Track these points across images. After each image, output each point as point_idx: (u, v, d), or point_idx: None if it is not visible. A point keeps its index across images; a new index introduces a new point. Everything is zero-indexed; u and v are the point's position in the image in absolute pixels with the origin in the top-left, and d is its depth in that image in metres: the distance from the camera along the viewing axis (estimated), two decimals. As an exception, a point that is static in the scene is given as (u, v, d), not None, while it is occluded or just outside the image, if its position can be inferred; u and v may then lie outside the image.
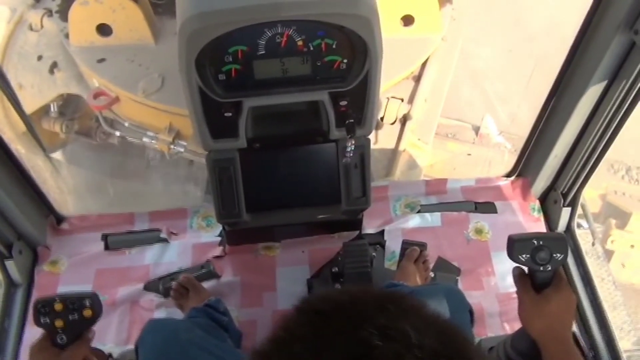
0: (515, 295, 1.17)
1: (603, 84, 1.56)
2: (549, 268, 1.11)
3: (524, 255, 1.11)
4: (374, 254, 1.86)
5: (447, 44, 2.79)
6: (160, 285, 1.81)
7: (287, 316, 0.67)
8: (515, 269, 1.17)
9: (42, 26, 2.79)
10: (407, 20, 2.55)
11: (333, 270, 1.80)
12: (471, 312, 1.34)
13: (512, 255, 1.12)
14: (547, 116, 1.80)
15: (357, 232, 1.90)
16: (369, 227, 1.94)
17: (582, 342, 1.38)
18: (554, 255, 1.10)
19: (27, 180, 1.78)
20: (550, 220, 1.98)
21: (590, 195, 3.49)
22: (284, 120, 1.43)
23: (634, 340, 1.73)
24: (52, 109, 2.77)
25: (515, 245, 1.12)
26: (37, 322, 1.05)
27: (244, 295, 1.80)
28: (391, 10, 2.51)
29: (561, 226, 1.93)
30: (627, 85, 1.49)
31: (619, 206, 3.66)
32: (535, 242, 1.11)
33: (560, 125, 1.72)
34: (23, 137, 2.61)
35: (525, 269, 1.16)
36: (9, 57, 2.76)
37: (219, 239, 1.92)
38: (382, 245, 1.91)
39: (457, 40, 2.88)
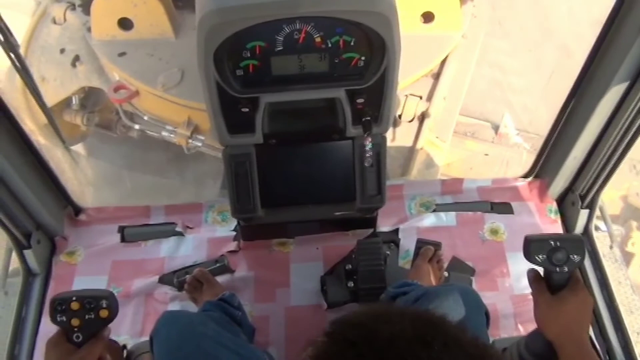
0: (530, 297, 1.16)
1: (625, 85, 1.53)
2: (566, 269, 1.09)
3: (540, 256, 1.10)
4: (388, 252, 1.86)
5: (467, 42, 2.78)
6: (175, 279, 1.83)
7: (318, 342, 0.66)
8: (530, 271, 1.16)
9: (65, 19, 2.82)
10: (427, 17, 2.54)
11: (347, 267, 1.80)
12: (487, 314, 1.33)
13: (528, 255, 1.11)
14: (567, 117, 1.77)
15: (371, 230, 1.90)
16: (384, 226, 1.93)
17: (598, 346, 1.36)
18: (571, 256, 1.09)
19: (47, 171, 1.81)
20: (567, 222, 1.95)
21: (611, 196, 3.44)
22: (301, 117, 1.43)
23: (651, 345, 1.70)
24: (73, 101, 2.81)
25: (532, 245, 1.11)
26: (54, 320, 1.06)
27: (257, 291, 1.81)
28: (411, 7, 2.49)
29: (579, 228, 1.91)
30: (650, 87, 1.46)
31: (640, 208, 3.60)
32: (552, 242, 1.09)
33: (580, 126, 1.69)
34: (44, 129, 2.65)
35: (541, 270, 1.15)
36: (32, 50, 2.80)
37: (234, 233, 1.93)
38: (397, 243, 1.90)
39: (478, 38, 2.86)
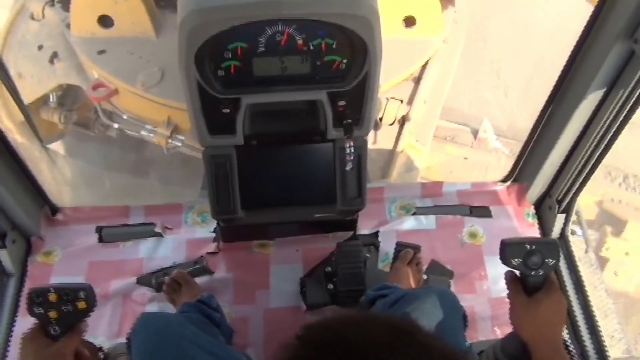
0: (507, 300, 1.17)
1: (601, 92, 1.56)
2: (541, 273, 1.11)
3: (516, 260, 1.11)
4: (367, 254, 1.86)
5: (448, 47, 2.80)
6: (153, 280, 1.81)
7: (288, 346, 0.65)
8: (507, 273, 1.18)
9: (43, 15, 2.78)
10: (409, 21, 2.55)
11: (326, 270, 1.80)
12: (464, 317, 1.35)
13: (504, 259, 1.12)
14: (545, 122, 1.80)
15: (351, 233, 1.90)
16: (364, 228, 1.94)
17: (572, 349, 1.38)
18: (546, 260, 1.11)
19: (23, 170, 1.78)
20: (544, 226, 1.98)
21: (587, 202, 3.49)
22: (282, 119, 1.43)
23: (624, 348, 1.74)
24: (51, 99, 2.76)
25: (508, 249, 1.12)
26: (31, 312, 1.05)
27: (236, 292, 1.80)
28: (393, 11, 2.51)
29: (555, 232, 1.94)
30: (626, 94, 1.49)
31: (615, 214, 3.66)
32: (527, 246, 1.11)
33: (558, 132, 1.72)
34: (21, 126, 2.61)
35: (518, 272, 1.16)
36: (9, 46, 2.76)
37: (214, 235, 1.92)
38: (376, 246, 1.91)
39: (459, 43, 2.89)
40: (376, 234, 1.94)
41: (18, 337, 1.64)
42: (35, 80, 2.69)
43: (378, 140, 2.60)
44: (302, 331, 0.67)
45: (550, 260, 1.11)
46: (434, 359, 0.63)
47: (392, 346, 0.62)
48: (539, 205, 2.01)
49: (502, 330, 1.73)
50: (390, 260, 1.82)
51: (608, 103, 1.56)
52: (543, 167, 1.85)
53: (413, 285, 1.69)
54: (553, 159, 1.81)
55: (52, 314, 1.05)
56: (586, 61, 1.56)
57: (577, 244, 1.90)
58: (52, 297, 1.05)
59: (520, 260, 1.11)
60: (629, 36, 1.39)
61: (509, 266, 1.12)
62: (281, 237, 1.91)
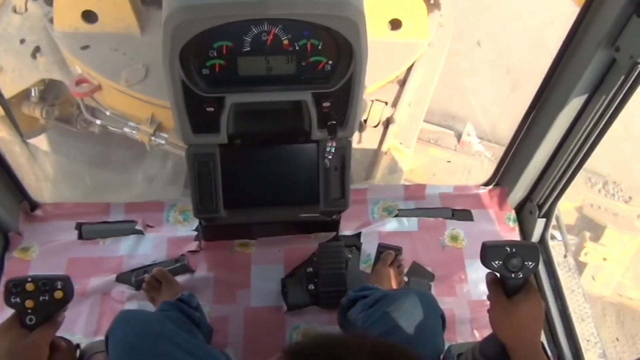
0: (487, 303, 1.18)
1: (583, 98, 1.58)
2: (520, 275, 1.12)
3: (496, 262, 1.12)
4: (349, 255, 1.87)
5: (434, 50, 2.82)
6: (133, 277, 1.79)
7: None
8: (488, 274, 1.19)
9: (26, 9, 2.75)
10: (395, 24, 2.56)
11: (308, 270, 1.80)
12: (443, 318, 1.35)
13: (484, 261, 1.14)
14: (527, 127, 1.82)
15: (333, 234, 1.91)
16: (346, 229, 1.94)
17: (549, 353, 1.40)
18: (526, 263, 1.12)
19: (2, 164, 1.75)
20: (524, 230, 2.00)
21: (567, 207, 3.54)
22: (266, 118, 1.43)
23: (600, 352, 1.76)
24: (32, 93, 2.74)
25: (488, 251, 1.13)
26: (8, 302, 1.05)
27: (217, 291, 1.80)
28: (379, 14, 2.52)
29: (535, 237, 1.95)
30: (607, 101, 1.51)
31: (594, 219, 3.72)
32: (508, 249, 1.12)
33: (540, 137, 1.74)
34: (1, 121, 2.57)
35: (498, 275, 1.17)
36: (-10, 38, 2.72)
37: (195, 233, 1.91)
38: (358, 247, 1.91)
39: (444, 47, 2.91)
40: (358, 235, 1.94)
41: (-6, 333, 1.63)
42: (16, 74, 2.66)
43: (362, 142, 2.61)
44: (286, 356, 0.66)
45: (530, 263, 1.12)
46: None
47: None
48: (520, 209, 2.03)
49: (481, 333, 1.74)
50: (372, 261, 1.82)
51: (589, 109, 1.58)
52: (525, 172, 1.87)
53: (394, 287, 1.69)
54: (535, 163, 1.82)
55: (29, 303, 1.05)
56: (569, 68, 1.58)
57: (556, 249, 1.92)
58: (30, 286, 1.05)
59: (501, 262, 1.12)
60: (611, 44, 1.41)
61: (489, 268, 1.13)
62: (263, 237, 1.90)
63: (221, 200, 1.54)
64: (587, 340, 1.75)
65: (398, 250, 1.79)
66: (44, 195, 2.16)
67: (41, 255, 1.84)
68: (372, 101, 2.57)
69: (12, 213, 1.85)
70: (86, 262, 1.83)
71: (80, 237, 1.90)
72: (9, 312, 1.08)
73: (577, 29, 1.50)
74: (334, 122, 1.39)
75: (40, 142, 3.01)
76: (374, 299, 1.37)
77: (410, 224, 1.98)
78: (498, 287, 1.16)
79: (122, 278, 1.80)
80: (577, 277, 1.90)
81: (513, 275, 1.12)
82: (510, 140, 1.91)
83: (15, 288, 1.05)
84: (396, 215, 2.01)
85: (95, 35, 2.49)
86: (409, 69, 2.70)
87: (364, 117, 2.56)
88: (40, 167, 2.73)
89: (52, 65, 2.64)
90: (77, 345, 1.32)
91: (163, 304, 1.50)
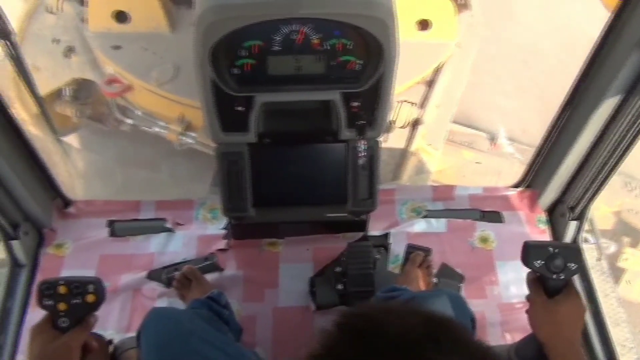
0: (518, 306, 1.17)
1: (617, 99, 1.55)
2: (562, 277, 1.11)
3: (538, 262, 1.12)
4: (377, 256, 1.86)
5: (462, 51, 2.79)
6: (164, 275, 1.82)
7: (327, 332, 0.65)
8: (529, 274, 1.18)
9: (60, 9, 2.80)
10: (424, 24, 2.55)
11: (336, 270, 1.80)
12: (473, 320, 1.34)
13: (526, 260, 1.13)
14: (560, 128, 1.79)
15: (362, 234, 1.90)
16: (374, 229, 1.94)
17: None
18: (568, 264, 1.11)
19: (37, 162, 1.79)
20: (556, 233, 1.97)
21: (604, 212, 3.46)
22: (295, 118, 1.43)
23: (636, 357, 1.72)
24: (65, 92, 2.79)
25: (531, 251, 1.12)
26: (41, 304, 1.06)
27: (245, 290, 1.81)
28: (408, 14, 2.51)
29: (567, 240, 1.92)
30: (642, 102, 1.48)
31: (632, 224, 3.63)
32: (550, 249, 1.11)
33: (572, 138, 1.71)
34: (35, 118, 2.63)
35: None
36: (26, 38, 2.78)
37: (224, 231, 1.93)
38: (387, 248, 1.90)
39: (473, 47, 2.88)
40: (387, 235, 1.93)
41: (29, 326, 1.66)
42: (50, 74, 2.71)
43: (390, 143, 2.59)
44: (340, 318, 0.66)
45: (572, 265, 1.11)
46: (472, 353, 0.64)
47: (432, 338, 0.62)
48: (551, 211, 2.00)
49: (512, 335, 1.72)
50: (401, 262, 1.81)
51: (624, 111, 1.54)
52: (556, 174, 1.83)
53: (423, 288, 1.68)
54: (567, 165, 1.79)
55: (62, 306, 1.06)
56: (602, 69, 1.54)
57: (589, 252, 1.89)
58: (62, 289, 1.06)
59: (543, 262, 1.11)
60: (647, 45, 1.38)
61: (530, 268, 1.13)
62: (291, 236, 1.91)
63: (250, 199, 1.55)
64: (622, 345, 1.72)
65: (427, 251, 1.78)
66: (76, 192, 2.20)
67: (74, 251, 1.88)
68: (400, 102, 2.55)
69: (46, 210, 1.89)
70: (118, 259, 1.86)
71: (111, 234, 1.93)
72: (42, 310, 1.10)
73: (611, 31, 1.47)
74: (363, 121, 1.38)
75: (73, 140, 3.07)
76: (402, 300, 1.36)
77: (438, 225, 1.97)
78: (539, 286, 1.16)
79: (152, 275, 1.83)
80: (610, 281, 1.87)
81: (555, 276, 1.11)
82: (542, 141, 1.88)
83: (48, 290, 1.06)
84: (425, 216, 2.00)
85: (126, 35, 2.53)
86: (437, 70, 2.68)
87: (391, 118, 2.55)
88: (73, 164, 2.78)
89: (85, 65, 2.69)
90: (110, 341, 1.34)
91: (193, 302, 1.51)
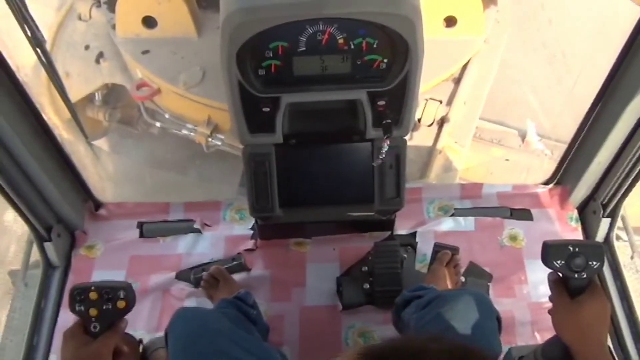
0: (547, 305, 1.15)
1: (652, 93, 1.51)
2: (584, 275, 1.08)
3: (558, 261, 1.09)
4: (404, 255, 1.85)
5: (490, 47, 2.75)
6: (192, 275, 1.84)
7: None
8: (551, 274, 1.16)
9: (90, 16, 2.86)
10: (450, 21, 2.52)
11: (363, 269, 1.80)
12: (499, 319, 1.32)
13: (546, 260, 1.10)
14: (591, 123, 1.75)
15: (388, 233, 1.89)
16: (401, 228, 1.93)
17: (616, 357, 1.34)
18: (590, 262, 1.08)
19: (69, 165, 1.83)
20: (588, 230, 1.93)
21: (638, 209, 3.37)
22: (321, 118, 1.43)
23: (670, 357, 1.68)
24: (96, 97, 2.84)
25: (550, 250, 1.10)
26: (72, 309, 1.08)
27: (273, 290, 1.82)
28: (434, 11, 2.48)
29: (599, 237, 1.88)
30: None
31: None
32: (571, 248, 1.08)
33: (604, 134, 1.67)
34: (67, 123, 2.68)
35: (560, 275, 1.14)
36: (58, 45, 2.84)
37: (251, 232, 1.94)
38: (414, 247, 1.90)
39: (500, 43, 2.83)
40: (414, 234, 1.92)
41: (62, 327, 1.71)
42: (81, 79, 2.76)
43: (416, 141, 2.57)
44: (362, 349, 0.65)
45: (595, 263, 1.08)
46: None
47: None
48: (582, 208, 1.96)
49: (542, 335, 1.69)
50: (428, 261, 1.80)
51: (658, 105, 1.51)
52: (588, 170, 1.80)
53: (450, 287, 1.67)
54: (599, 161, 1.76)
55: (93, 311, 1.07)
56: (636, 60, 1.51)
57: (622, 250, 1.85)
58: (93, 295, 1.07)
59: (563, 262, 1.08)
60: (682, 35, 1.34)
61: (550, 268, 1.10)
62: (318, 236, 1.91)
63: (277, 200, 1.56)
64: (657, 345, 1.67)
65: (455, 250, 1.76)
66: (107, 194, 2.23)
67: (105, 253, 1.91)
68: (427, 100, 2.53)
69: (78, 212, 1.94)
70: (147, 260, 1.89)
71: (141, 235, 1.96)
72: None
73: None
74: (389, 120, 1.38)
75: (103, 143, 3.12)
76: (427, 299, 1.35)
77: (466, 223, 1.95)
78: (561, 287, 1.13)
79: (181, 276, 1.85)
80: (644, 280, 1.82)
81: (576, 275, 1.08)
82: (573, 137, 1.85)
83: (80, 296, 1.07)
84: (452, 215, 1.98)
85: (154, 40, 2.57)
86: (464, 67, 2.65)
87: (418, 117, 2.53)
88: (103, 167, 2.84)
89: (115, 70, 2.73)
90: (140, 341, 1.36)
91: (221, 302, 1.53)
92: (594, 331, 1.08)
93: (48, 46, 2.61)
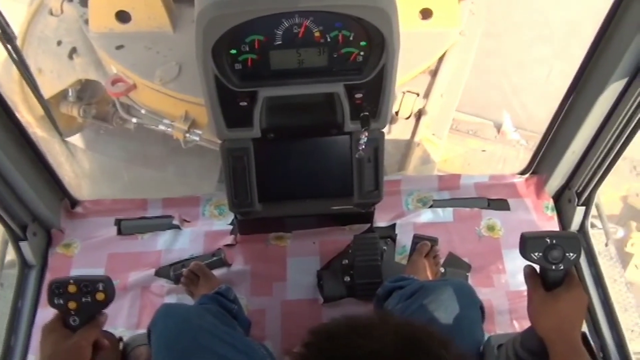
0: (525, 294, 1.16)
1: (622, 83, 1.54)
2: (561, 267, 1.10)
3: (536, 254, 1.10)
4: (384, 247, 1.86)
5: (465, 39, 2.77)
6: (171, 272, 1.83)
7: (295, 353, 0.68)
8: (526, 267, 1.17)
9: (62, 11, 2.81)
10: (426, 13, 2.53)
11: (343, 262, 1.81)
12: (482, 309, 1.34)
13: (524, 253, 1.11)
14: (565, 113, 1.78)
15: (368, 225, 1.90)
16: (381, 221, 1.94)
17: (592, 343, 1.37)
18: (567, 254, 1.09)
19: (43, 163, 1.80)
20: (563, 219, 1.96)
21: (612, 197, 3.43)
22: (299, 111, 1.43)
23: (645, 342, 1.72)
24: (70, 93, 2.80)
25: (528, 243, 1.11)
26: (51, 303, 1.07)
27: (253, 284, 1.82)
28: (410, 3, 2.49)
29: (575, 225, 1.92)
30: (648, 85, 1.47)
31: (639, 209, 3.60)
32: (548, 240, 1.10)
33: (578, 123, 1.70)
34: (41, 120, 2.64)
35: (537, 267, 1.15)
36: (29, 41, 2.79)
37: (231, 227, 1.93)
38: (393, 239, 1.91)
39: (475, 35, 2.86)
40: (393, 226, 1.93)
41: (39, 327, 1.67)
42: (54, 75, 2.72)
43: (394, 134, 2.59)
44: (309, 337, 0.66)
45: (571, 255, 1.09)
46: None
47: (401, 357, 0.61)
48: (558, 197, 1.99)
49: (520, 323, 1.72)
50: (408, 252, 1.82)
51: (630, 94, 1.53)
52: (563, 159, 1.83)
53: (430, 278, 1.68)
54: (573, 150, 1.78)
55: (72, 304, 1.07)
56: (607, 51, 1.53)
57: (597, 237, 1.88)
58: (72, 288, 1.07)
59: (541, 254, 1.09)
60: (651, 26, 1.37)
61: (528, 260, 1.11)
62: (298, 230, 1.91)
63: (256, 194, 1.55)
64: (632, 331, 1.71)
65: (434, 241, 1.78)
66: (83, 192, 2.21)
67: (83, 250, 1.89)
68: (404, 93, 2.55)
69: (54, 210, 1.91)
70: (126, 257, 1.88)
71: (119, 232, 1.94)
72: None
73: (616, 12, 1.45)
74: (367, 113, 1.38)
75: (78, 140, 3.08)
76: (411, 290, 1.36)
77: (445, 214, 1.97)
78: (536, 279, 1.14)
79: (160, 272, 1.84)
80: (619, 266, 1.86)
81: (554, 267, 1.10)
82: (547, 127, 1.87)
83: (58, 289, 1.07)
84: (431, 206, 2.00)
85: (129, 34, 2.53)
86: (441, 59, 2.67)
87: (395, 109, 2.54)
88: (79, 164, 2.80)
89: (89, 66, 2.69)
90: (120, 338, 1.35)
91: (202, 298, 1.52)
92: (568, 324, 1.09)
93: (19, 42, 2.56)
